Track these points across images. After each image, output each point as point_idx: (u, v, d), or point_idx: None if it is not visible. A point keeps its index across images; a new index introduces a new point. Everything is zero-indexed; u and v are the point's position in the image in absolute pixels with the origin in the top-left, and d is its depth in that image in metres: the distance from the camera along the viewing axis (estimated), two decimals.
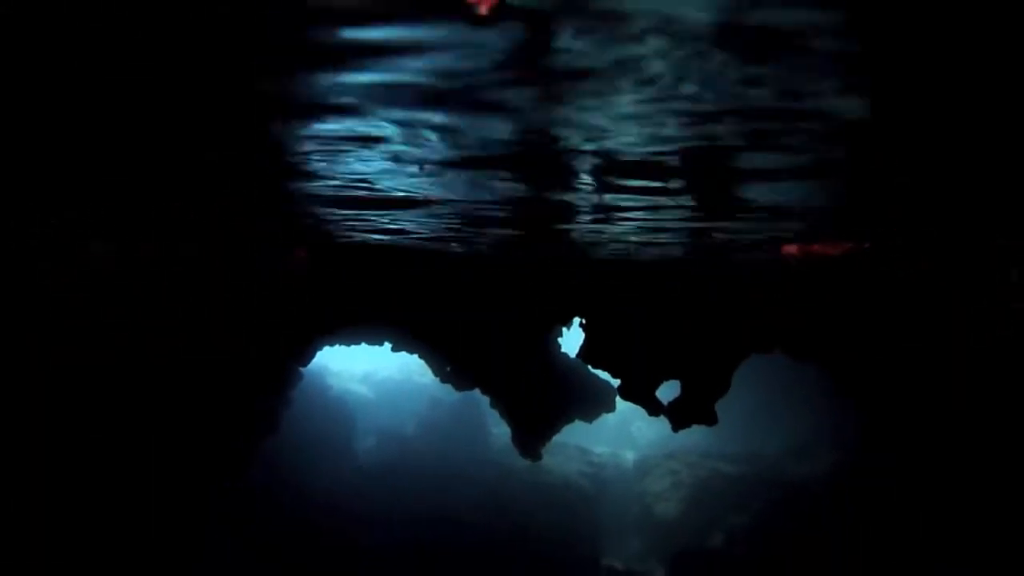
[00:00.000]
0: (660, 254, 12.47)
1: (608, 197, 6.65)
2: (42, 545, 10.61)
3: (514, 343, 17.53)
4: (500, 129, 4.24)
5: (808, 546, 17.99)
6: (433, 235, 10.49)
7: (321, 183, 6.29)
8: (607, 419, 31.12)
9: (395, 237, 10.90)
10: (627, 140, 4.32)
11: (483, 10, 2.87)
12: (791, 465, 22.05)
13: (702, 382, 14.87)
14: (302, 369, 22.68)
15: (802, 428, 23.41)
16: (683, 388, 15.16)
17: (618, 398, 18.69)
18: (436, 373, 22.35)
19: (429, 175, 5.75)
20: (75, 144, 4.69)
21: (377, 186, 6.38)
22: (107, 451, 12.08)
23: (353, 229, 10.04)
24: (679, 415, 15.10)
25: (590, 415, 19.47)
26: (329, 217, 8.91)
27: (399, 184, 6.21)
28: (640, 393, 15.42)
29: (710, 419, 14.95)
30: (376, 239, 11.39)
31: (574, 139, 4.41)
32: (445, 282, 16.02)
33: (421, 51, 2.97)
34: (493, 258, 15.42)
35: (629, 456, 27.09)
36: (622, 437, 31.35)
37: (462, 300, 16.40)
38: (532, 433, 18.74)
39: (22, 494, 10.36)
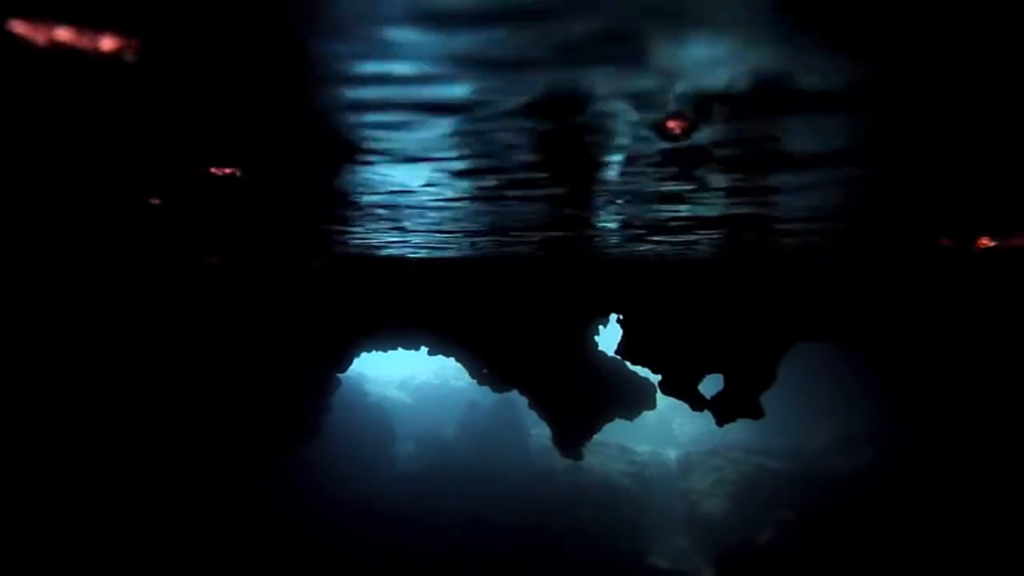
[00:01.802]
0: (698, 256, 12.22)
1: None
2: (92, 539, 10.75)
3: (550, 342, 17.38)
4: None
5: (856, 542, 17.52)
6: (467, 253, 10.42)
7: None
8: (648, 417, 30.82)
9: (430, 252, 10.85)
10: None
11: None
12: (837, 460, 21.54)
13: (746, 374, 14.56)
14: (340, 376, 22.79)
15: (847, 422, 22.87)
16: (727, 381, 14.86)
17: (659, 395, 18.46)
18: (473, 375, 22.29)
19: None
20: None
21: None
22: (152, 455, 12.20)
23: (390, 247, 10.00)
24: (724, 409, 14.80)
25: (631, 413, 19.22)
26: (369, 240, 8.88)
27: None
28: (682, 388, 15.16)
29: (756, 412, 14.63)
30: (411, 255, 11.35)
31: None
32: (478, 284, 15.94)
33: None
34: (527, 259, 15.29)
35: (671, 453, 26.73)
36: (663, 434, 30.97)
37: (496, 301, 16.30)
38: (572, 433, 18.56)
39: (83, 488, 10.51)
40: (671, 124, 3.64)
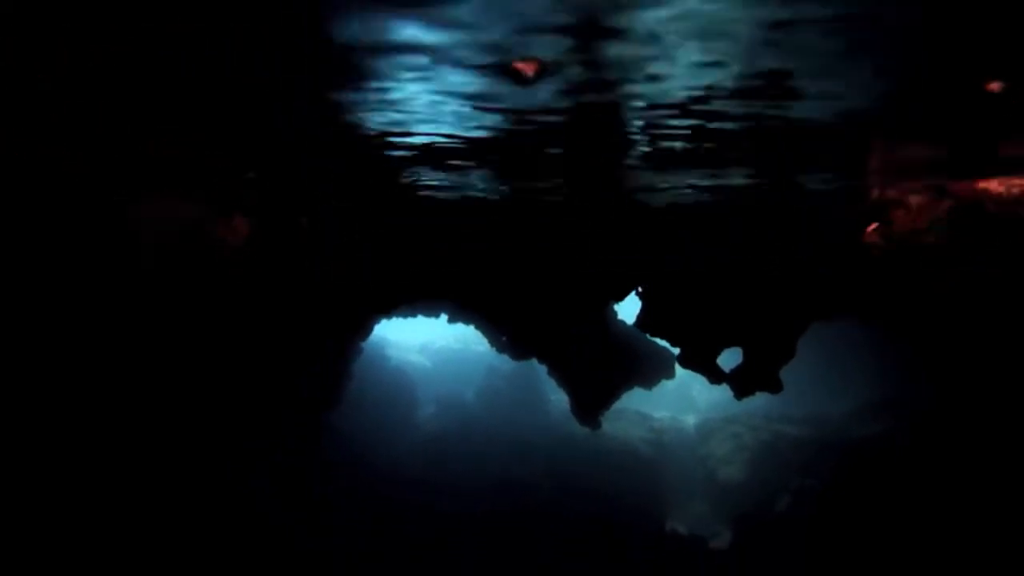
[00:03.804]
0: (723, 203, 12.05)
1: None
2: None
3: (569, 312, 17.41)
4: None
5: (874, 509, 17.62)
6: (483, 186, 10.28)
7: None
8: (666, 383, 30.88)
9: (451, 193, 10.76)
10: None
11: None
12: (856, 427, 21.55)
13: (766, 349, 14.53)
14: (362, 343, 23.04)
15: (866, 390, 22.81)
16: (746, 355, 14.85)
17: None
18: (492, 343, 22.46)
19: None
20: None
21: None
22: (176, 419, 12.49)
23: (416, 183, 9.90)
24: (742, 383, 14.82)
25: (649, 382, 19.31)
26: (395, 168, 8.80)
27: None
28: (701, 361, 15.18)
29: (774, 386, 14.63)
30: (439, 196, 11.26)
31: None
32: (499, 252, 15.93)
33: None
34: (548, 224, 15.25)
35: (690, 420, 26.90)
36: (682, 401, 31.11)
37: (516, 270, 16.31)
38: (591, 402, 18.71)
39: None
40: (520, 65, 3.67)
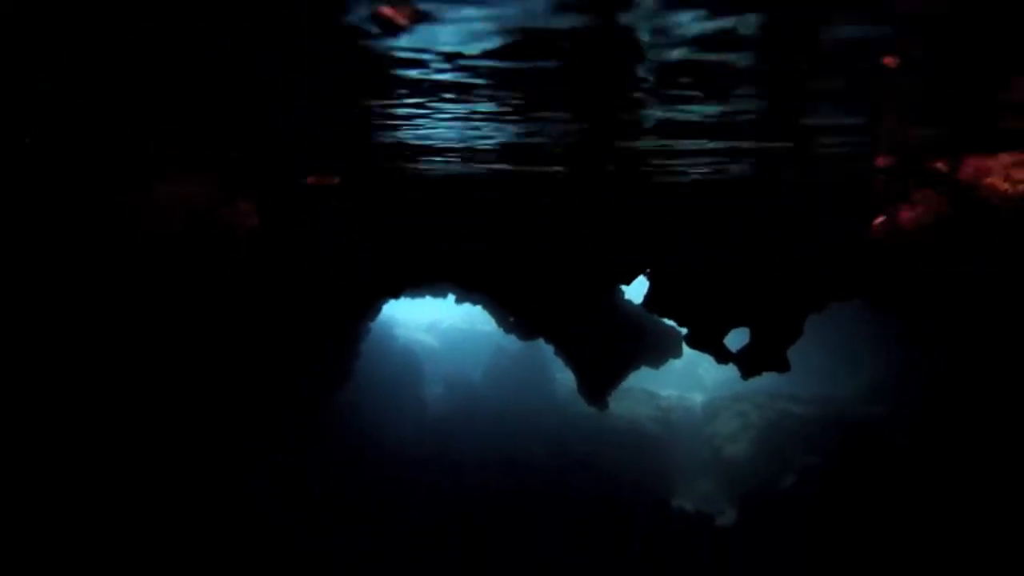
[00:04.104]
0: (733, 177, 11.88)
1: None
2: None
3: (577, 293, 17.39)
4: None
5: (878, 487, 17.67)
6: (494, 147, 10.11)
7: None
8: (673, 361, 30.96)
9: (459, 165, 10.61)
10: None
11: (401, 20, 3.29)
12: (862, 407, 21.55)
13: (773, 329, 14.49)
14: (370, 323, 23.08)
15: (872, 370, 22.77)
16: (753, 335, 14.82)
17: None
18: (500, 324, 22.49)
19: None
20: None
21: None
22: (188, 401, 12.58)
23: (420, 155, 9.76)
24: (749, 363, 14.81)
25: (657, 361, 19.32)
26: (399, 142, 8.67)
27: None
28: (708, 341, 15.16)
29: (782, 366, 14.62)
30: (445, 168, 11.13)
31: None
32: (507, 233, 15.89)
33: None
34: (555, 205, 15.18)
35: (697, 398, 26.95)
36: (689, 379, 31.15)
37: (523, 251, 16.27)
38: (598, 382, 18.74)
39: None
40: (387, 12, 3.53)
